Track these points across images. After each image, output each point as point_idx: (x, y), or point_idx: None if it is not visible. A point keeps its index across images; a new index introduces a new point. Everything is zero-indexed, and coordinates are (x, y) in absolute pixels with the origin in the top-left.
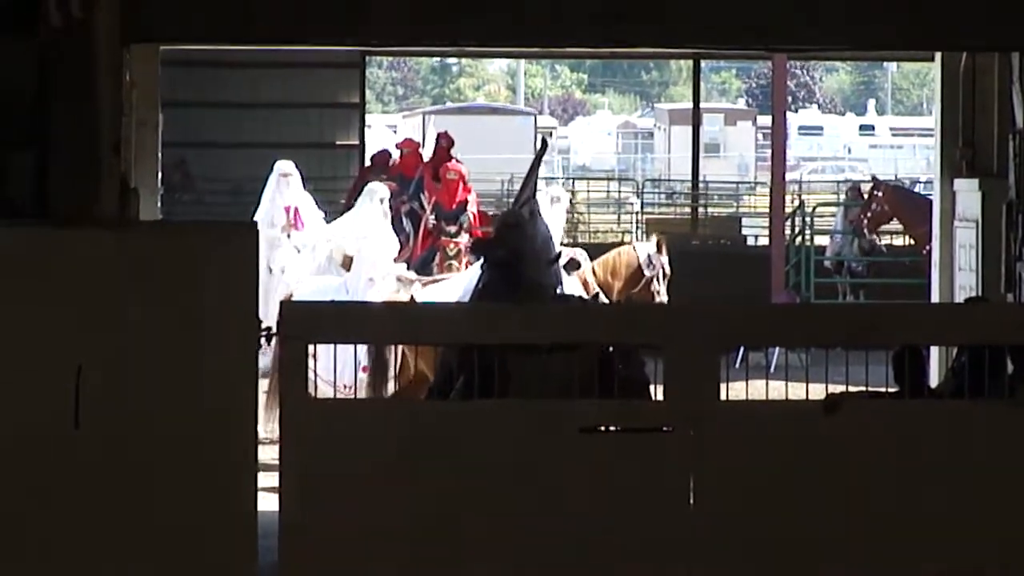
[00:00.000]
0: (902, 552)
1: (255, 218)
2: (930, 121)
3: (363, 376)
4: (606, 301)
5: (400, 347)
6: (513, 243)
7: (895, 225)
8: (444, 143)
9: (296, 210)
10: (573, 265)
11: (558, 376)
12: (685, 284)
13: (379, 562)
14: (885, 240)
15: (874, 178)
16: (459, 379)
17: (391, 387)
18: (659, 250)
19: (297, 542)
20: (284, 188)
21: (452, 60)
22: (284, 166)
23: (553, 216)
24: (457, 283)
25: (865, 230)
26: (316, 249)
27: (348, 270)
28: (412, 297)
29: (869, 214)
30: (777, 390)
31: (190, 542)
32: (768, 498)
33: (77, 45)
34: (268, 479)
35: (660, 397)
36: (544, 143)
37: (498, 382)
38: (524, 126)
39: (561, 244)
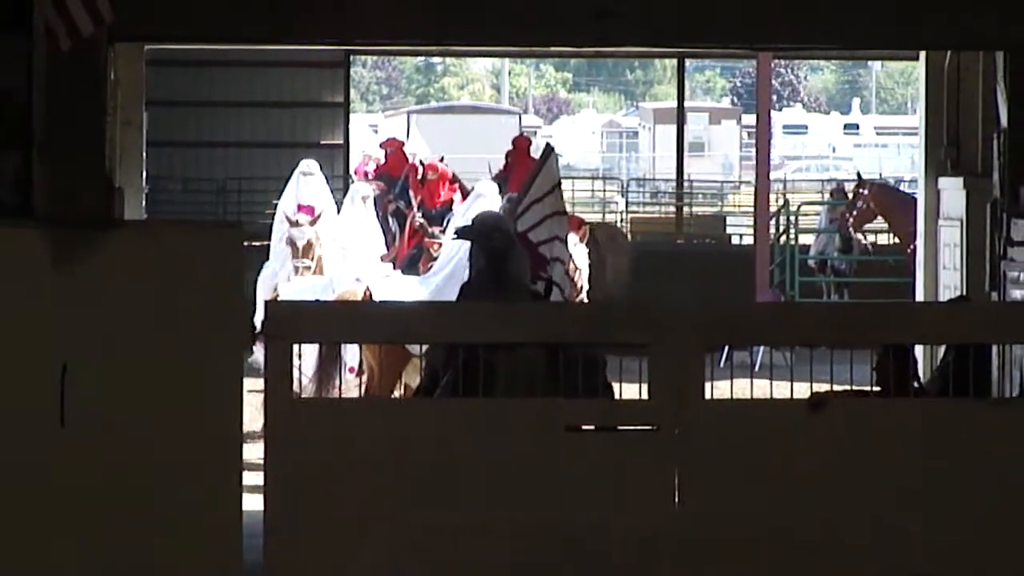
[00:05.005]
0: (888, 551)
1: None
2: (915, 120)
3: (349, 377)
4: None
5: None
6: (499, 236)
7: (879, 224)
8: (523, 144)
9: (311, 210)
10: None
11: (525, 371)
12: (670, 283)
13: (364, 561)
14: (869, 239)
15: (859, 176)
16: (444, 377)
17: (356, 384)
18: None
19: (282, 541)
20: (304, 186)
21: (436, 59)
22: (306, 164)
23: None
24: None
25: (850, 228)
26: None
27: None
28: (368, 290)
29: (855, 212)
30: (762, 389)
31: (175, 541)
32: (753, 497)
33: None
34: (253, 478)
35: (645, 396)
36: (549, 148)
37: (483, 380)
38: (508, 125)
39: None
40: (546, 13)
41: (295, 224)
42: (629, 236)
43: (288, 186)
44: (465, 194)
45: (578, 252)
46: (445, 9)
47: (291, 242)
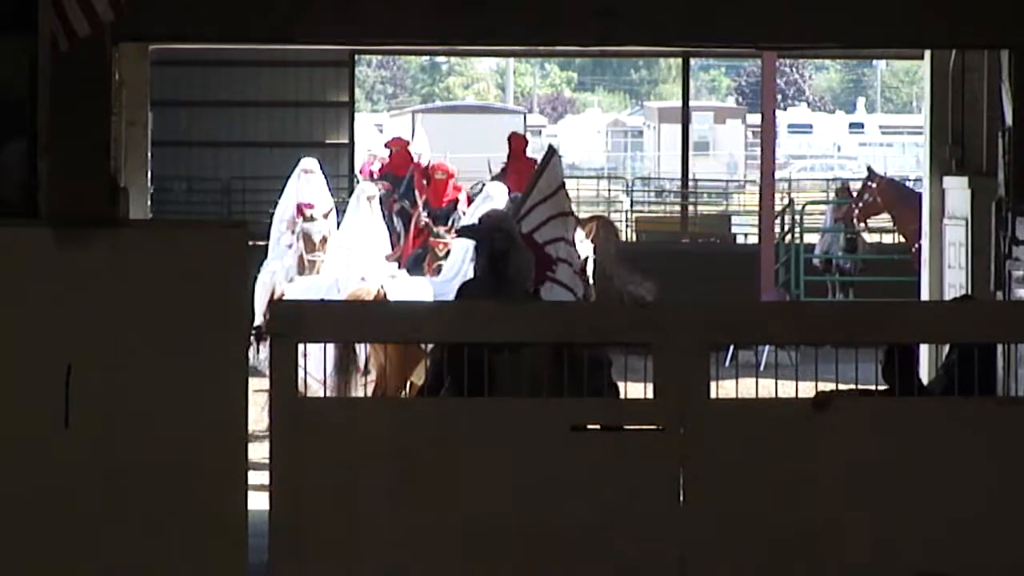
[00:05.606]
0: (893, 549)
1: (275, 212)
2: (919, 119)
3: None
4: None
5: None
6: (501, 236)
7: (885, 223)
8: (517, 144)
9: (300, 209)
10: None
11: (528, 371)
12: (675, 282)
13: (369, 561)
14: (874, 237)
15: (869, 169)
16: (448, 377)
17: (360, 383)
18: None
19: (287, 541)
20: (304, 185)
21: (441, 59)
22: (306, 162)
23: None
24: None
25: (855, 220)
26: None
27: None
28: (382, 289)
29: (861, 204)
30: (767, 388)
31: (180, 540)
32: (758, 496)
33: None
34: (258, 477)
35: (650, 395)
36: (551, 150)
37: (487, 380)
38: (513, 125)
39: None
40: (548, 12)
41: (309, 219)
42: (635, 235)
43: (288, 184)
44: (471, 197)
45: (583, 247)
46: (446, 8)
47: (306, 236)
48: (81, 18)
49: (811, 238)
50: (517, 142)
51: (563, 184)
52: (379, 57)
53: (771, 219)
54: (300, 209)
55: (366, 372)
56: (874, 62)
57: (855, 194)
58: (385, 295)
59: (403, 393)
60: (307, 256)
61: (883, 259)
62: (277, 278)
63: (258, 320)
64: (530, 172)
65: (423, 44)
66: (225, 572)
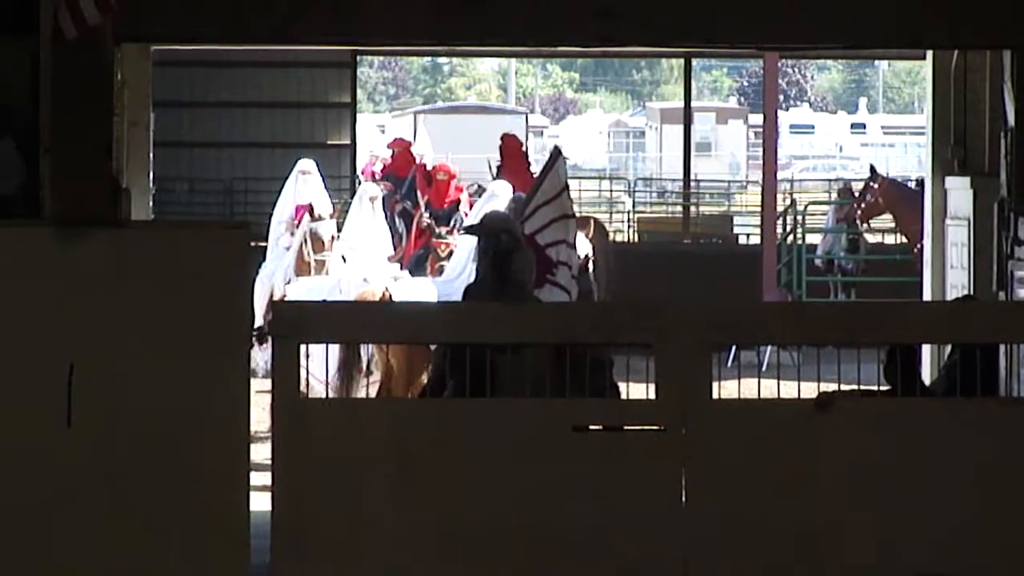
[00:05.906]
0: (894, 550)
1: (273, 213)
2: (921, 119)
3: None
4: None
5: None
6: (507, 238)
7: (887, 223)
8: (513, 143)
9: (310, 209)
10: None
11: (530, 372)
12: (677, 283)
13: (371, 561)
14: (876, 238)
15: (872, 169)
16: (451, 378)
17: (363, 384)
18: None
19: (289, 541)
20: (301, 186)
21: (443, 60)
22: (304, 164)
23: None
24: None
25: (857, 219)
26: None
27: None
28: (387, 290)
29: (863, 204)
30: (769, 389)
31: (182, 541)
32: (760, 496)
33: (71, 45)
34: (260, 478)
35: (652, 396)
36: (557, 151)
37: (489, 381)
38: (515, 125)
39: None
40: (548, 12)
41: (318, 218)
42: (637, 236)
43: (286, 185)
44: (471, 199)
45: (583, 246)
46: (446, 9)
47: (314, 236)
48: (68, 21)
49: (813, 239)
50: (511, 142)
51: (567, 186)
52: (381, 58)
53: (773, 220)
54: (309, 209)
55: (368, 373)
56: (876, 62)
57: (857, 194)
58: (390, 296)
59: (408, 394)
60: (315, 256)
61: (885, 259)
62: (275, 280)
63: (257, 322)
64: (525, 171)
65: (423, 44)
66: (227, 573)
